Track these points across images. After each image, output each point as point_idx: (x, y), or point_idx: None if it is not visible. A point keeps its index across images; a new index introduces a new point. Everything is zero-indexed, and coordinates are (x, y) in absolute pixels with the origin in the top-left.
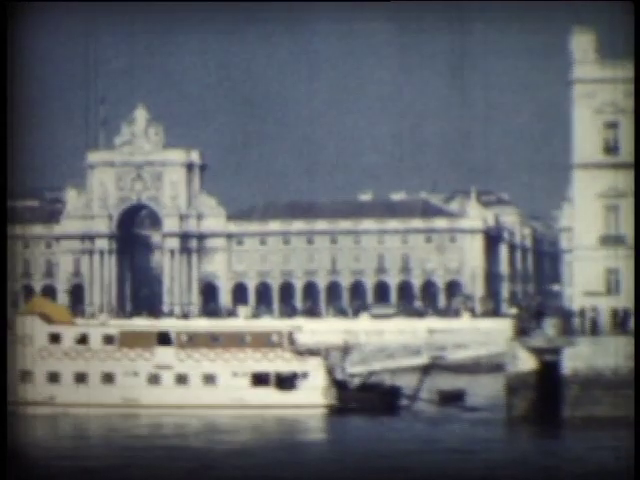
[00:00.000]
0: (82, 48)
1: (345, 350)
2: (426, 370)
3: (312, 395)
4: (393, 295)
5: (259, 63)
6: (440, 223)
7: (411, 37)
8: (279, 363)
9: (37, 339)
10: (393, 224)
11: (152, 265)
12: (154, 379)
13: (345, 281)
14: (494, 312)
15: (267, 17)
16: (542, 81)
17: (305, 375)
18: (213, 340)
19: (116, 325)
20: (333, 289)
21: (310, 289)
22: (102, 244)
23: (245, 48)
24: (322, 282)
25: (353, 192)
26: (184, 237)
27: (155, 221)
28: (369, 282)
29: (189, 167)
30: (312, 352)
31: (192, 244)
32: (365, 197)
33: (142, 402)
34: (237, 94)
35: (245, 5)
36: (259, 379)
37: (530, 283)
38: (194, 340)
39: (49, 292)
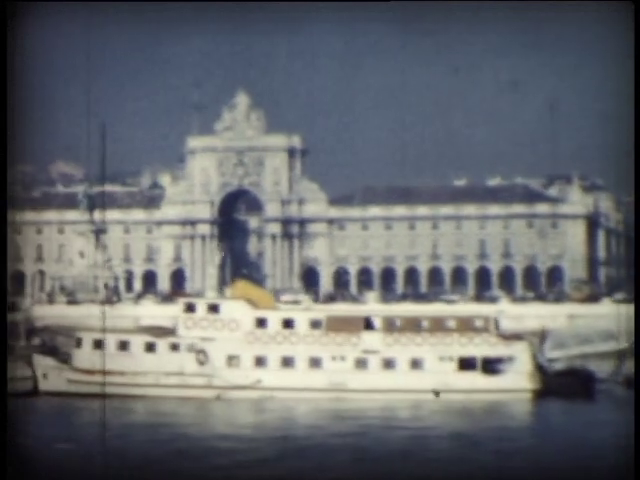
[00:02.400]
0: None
1: (542, 335)
2: (622, 354)
3: (518, 379)
4: (494, 280)
5: (344, 52)
6: (542, 208)
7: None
8: (485, 348)
9: (243, 323)
10: (495, 209)
11: (248, 250)
12: (361, 364)
13: (447, 266)
14: (594, 298)
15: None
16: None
17: (511, 359)
18: (416, 325)
19: (322, 310)
20: (434, 274)
21: (411, 274)
22: (204, 229)
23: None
24: (423, 267)
25: (448, 178)
26: (286, 222)
27: (251, 206)
28: (470, 267)
29: (291, 152)
30: (517, 336)
31: (294, 229)
32: (460, 183)
33: (349, 387)
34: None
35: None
36: (465, 364)
37: (622, 268)
38: (399, 325)
39: (150, 277)
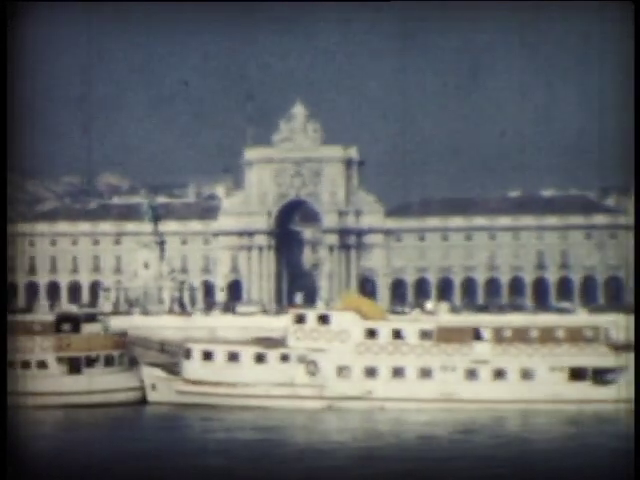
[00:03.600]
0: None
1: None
2: None
3: (630, 390)
4: (552, 291)
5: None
6: (600, 219)
7: None
8: (596, 358)
9: (354, 334)
10: (552, 220)
11: (303, 261)
12: (471, 374)
13: (504, 277)
14: None
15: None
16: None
17: (622, 370)
18: (526, 335)
19: (431, 321)
20: (492, 285)
21: (469, 285)
22: (261, 240)
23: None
24: (481, 278)
25: (501, 189)
26: (343, 233)
27: (305, 217)
28: (528, 278)
29: (348, 163)
30: (627, 347)
31: (350, 240)
32: (514, 194)
33: (459, 397)
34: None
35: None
36: (576, 374)
37: None
38: (508, 335)
39: (207, 288)
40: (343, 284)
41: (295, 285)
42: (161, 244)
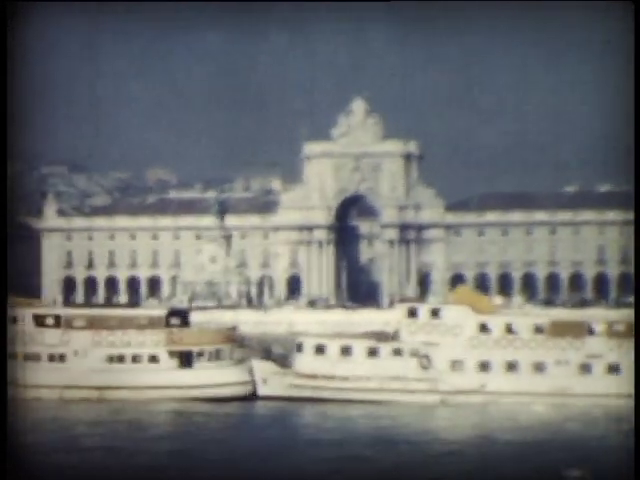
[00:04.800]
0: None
1: None
2: None
3: None
4: (613, 287)
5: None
6: None
7: None
8: None
9: (467, 329)
10: (612, 216)
11: (360, 255)
12: (585, 368)
13: (564, 272)
14: None
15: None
16: None
17: None
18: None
19: (543, 315)
20: (552, 280)
21: (529, 280)
22: (320, 235)
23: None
24: (541, 273)
25: (560, 184)
26: (402, 228)
27: (362, 211)
28: (589, 274)
29: (407, 158)
30: None
31: (410, 235)
32: (570, 189)
33: (573, 391)
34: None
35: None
36: None
37: None
38: (620, 329)
39: (267, 282)
40: (403, 279)
41: (352, 280)
42: (227, 238)
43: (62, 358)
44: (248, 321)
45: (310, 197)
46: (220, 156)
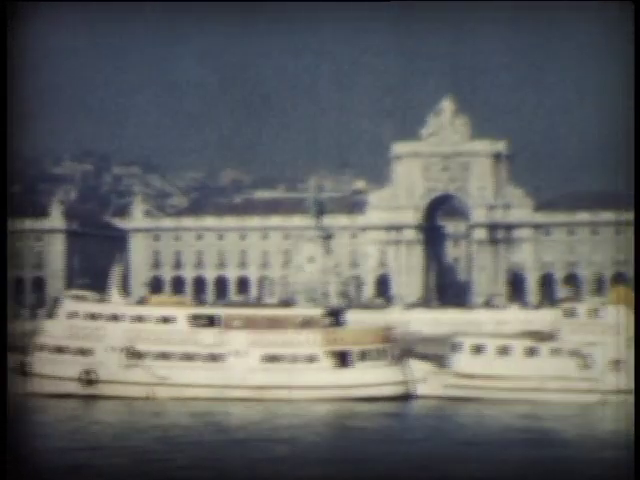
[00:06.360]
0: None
1: None
2: None
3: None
4: None
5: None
6: None
7: None
8: None
9: (628, 328)
10: None
11: (446, 255)
12: None
13: None
14: None
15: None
16: None
17: None
18: None
19: None
20: None
21: (618, 280)
22: (409, 235)
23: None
24: (631, 272)
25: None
26: (492, 228)
27: (448, 211)
28: None
29: (496, 157)
30: None
31: (499, 235)
32: None
33: None
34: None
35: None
36: None
37: None
38: None
39: (356, 282)
40: (492, 279)
41: (439, 280)
42: (326, 238)
43: (218, 358)
44: (357, 320)
45: (398, 197)
46: (291, 156)
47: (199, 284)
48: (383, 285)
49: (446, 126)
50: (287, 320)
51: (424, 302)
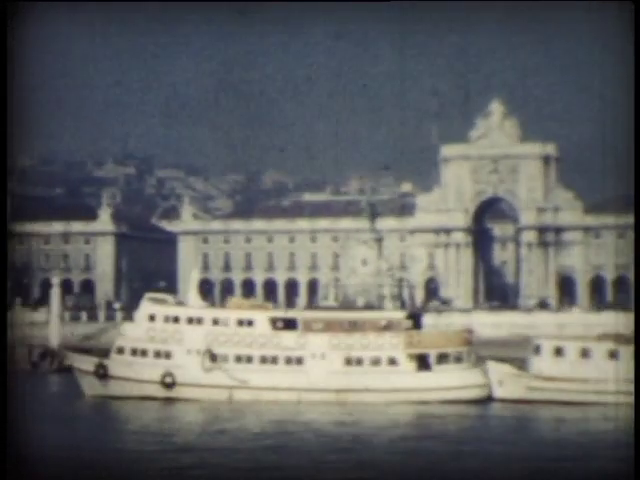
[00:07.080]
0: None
1: None
2: None
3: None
4: None
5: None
6: None
7: None
8: None
9: None
10: None
11: (494, 258)
12: None
13: None
14: None
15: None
16: None
17: None
18: None
19: None
20: None
21: None
22: (458, 238)
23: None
24: None
25: None
26: (541, 230)
27: (496, 214)
28: None
29: (545, 160)
30: None
31: (549, 237)
32: None
33: None
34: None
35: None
36: None
37: None
38: None
39: (407, 285)
40: (541, 282)
41: (488, 283)
42: (379, 241)
43: (300, 361)
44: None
45: (447, 199)
46: (332, 159)
47: (248, 287)
48: (432, 288)
49: (495, 129)
50: (369, 323)
51: (482, 304)
